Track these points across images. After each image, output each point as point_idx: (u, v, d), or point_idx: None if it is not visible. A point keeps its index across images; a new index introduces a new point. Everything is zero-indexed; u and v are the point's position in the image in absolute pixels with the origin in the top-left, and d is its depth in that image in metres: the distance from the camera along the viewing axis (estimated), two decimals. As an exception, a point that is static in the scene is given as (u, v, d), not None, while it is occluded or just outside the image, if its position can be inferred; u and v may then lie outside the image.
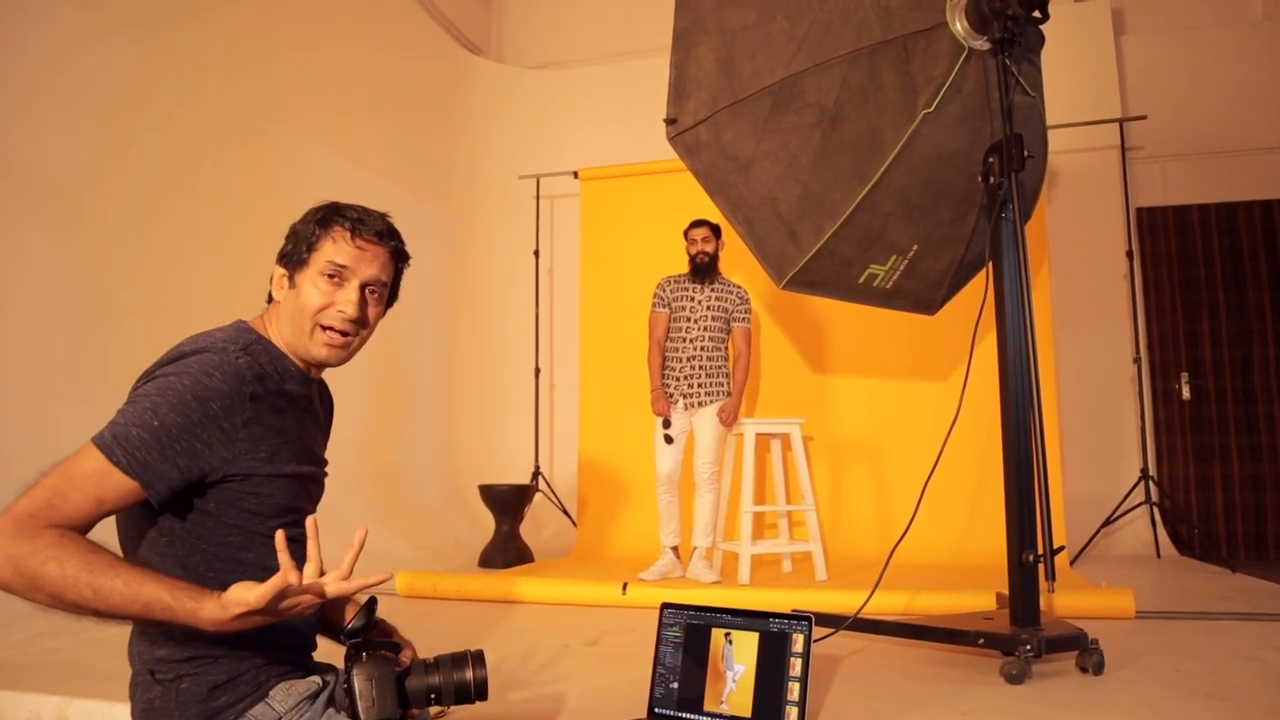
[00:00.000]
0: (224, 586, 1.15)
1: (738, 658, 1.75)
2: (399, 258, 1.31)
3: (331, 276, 1.23)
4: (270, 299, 1.30)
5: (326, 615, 1.36)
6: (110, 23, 3.54)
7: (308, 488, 1.28)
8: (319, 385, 1.36)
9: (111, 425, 1.07)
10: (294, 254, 1.25)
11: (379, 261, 1.26)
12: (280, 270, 1.27)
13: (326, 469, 1.35)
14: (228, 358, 1.15)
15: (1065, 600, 3.02)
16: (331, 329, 1.24)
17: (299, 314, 1.23)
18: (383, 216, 1.29)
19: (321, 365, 1.29)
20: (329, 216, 1.25)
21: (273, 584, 1.00)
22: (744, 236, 2.98)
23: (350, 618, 1.27)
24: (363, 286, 1.25)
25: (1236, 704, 2.01)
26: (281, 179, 4.40)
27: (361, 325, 1.27)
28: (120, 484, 1.05)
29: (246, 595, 1.00)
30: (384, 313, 1.32)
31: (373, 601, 1.26)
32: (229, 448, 1.13)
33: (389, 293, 1.32)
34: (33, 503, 0.99)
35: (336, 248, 1.23)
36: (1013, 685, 2.19)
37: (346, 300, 1.24)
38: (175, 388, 1.10)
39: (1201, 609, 3.19)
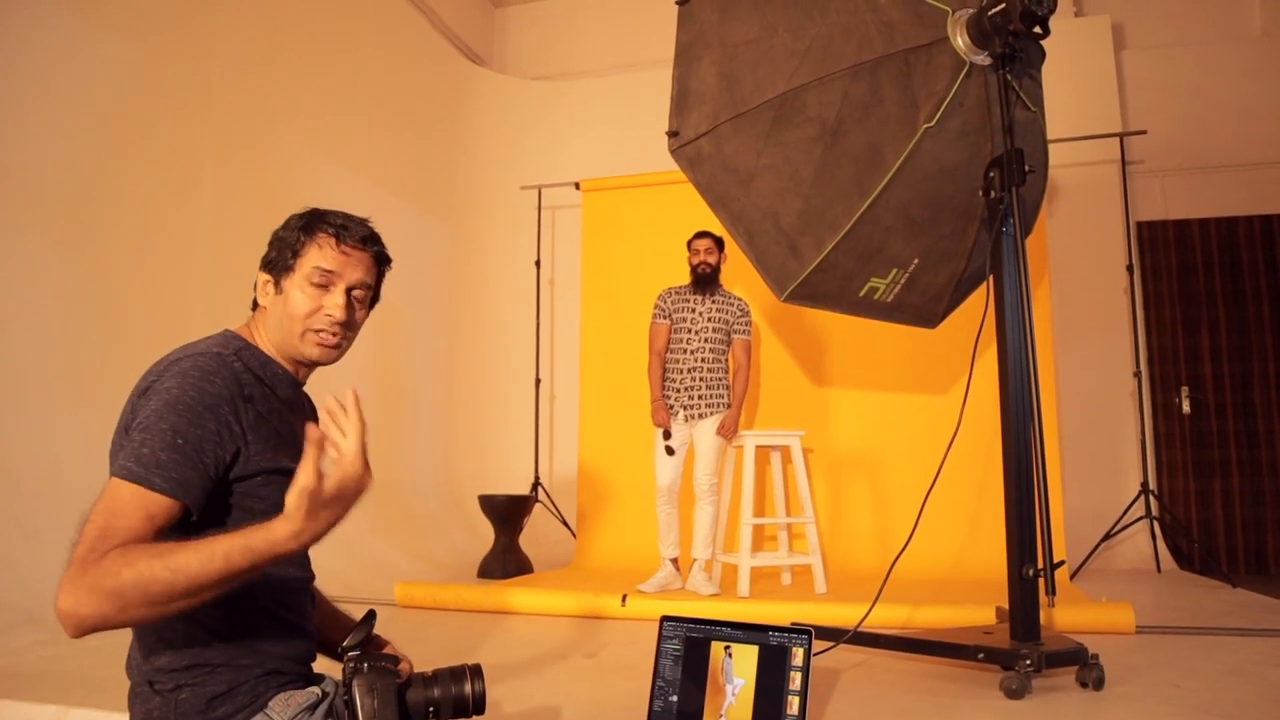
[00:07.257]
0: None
1: (737, 671, 1.75)
2: (381, 261, 1.34)
3: (318, 282, 1.26)
4: (255, 305, 1.32)
5: (323, 633, 1.36)
6: (109, 28, 3.55)
7: None
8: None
9: (135, 457, 1.07)
10: (279, 260, 1.28)
11: (363, 266, 1.30)
12: (265, 276, 1.30)
13: None
14: (224, 362, 1.19)
15: (1065, 615, 3.01)
16: (322, 332, 1.27)
17: (288, 319, 1.26)
18: (364, 222, 1.32)
19: (313, 365, 1.32)
20: (313, 223, 1.28)
21: (308, 456, 0.97)
22: (745, 249, 2.98)
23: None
24: (348, 290, 1.28)
25: (1237, 721, 2.01)
26: (283, 187, 4.41)
27: (348, 328, 1.30)
28: (162, 505, 1.06)
29: (299, 482, 0.97)
30: (368, 314, 1.35)
31: (371, 615, 1.26)
32: (240, 450, 1.15)
33: (372, 295, 1.35)
34: (85, 545, 0.99)
35: (322, 254, 1.27)
36: (1012, 700, 2.19)
37: (334, 304, 1.27)
38: (184, 401, 1.11)
39: (1202, 624, 3.18)
